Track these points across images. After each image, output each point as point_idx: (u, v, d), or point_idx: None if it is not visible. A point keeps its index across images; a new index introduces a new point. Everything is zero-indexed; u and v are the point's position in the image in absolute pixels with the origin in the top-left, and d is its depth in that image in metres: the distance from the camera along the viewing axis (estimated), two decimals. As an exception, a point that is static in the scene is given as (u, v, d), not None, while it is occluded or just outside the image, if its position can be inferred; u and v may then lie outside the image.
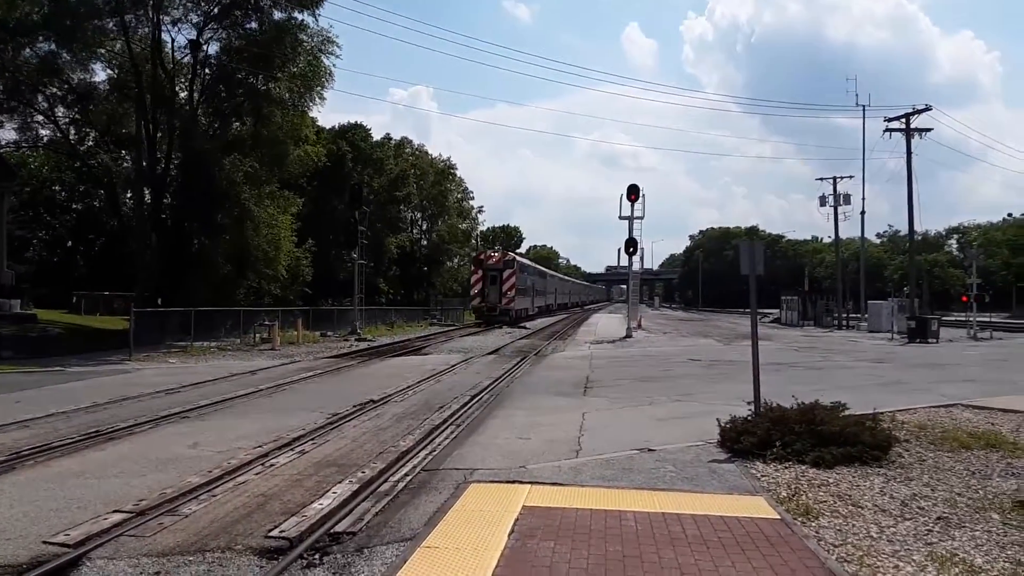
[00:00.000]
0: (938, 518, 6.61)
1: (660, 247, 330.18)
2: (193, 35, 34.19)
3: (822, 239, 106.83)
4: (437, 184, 74.05)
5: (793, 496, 7.17)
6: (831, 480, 7.83)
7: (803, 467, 8.25)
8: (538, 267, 68.05)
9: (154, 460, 8.75)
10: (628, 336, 34.23)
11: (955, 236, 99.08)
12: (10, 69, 30.98)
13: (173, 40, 35.27)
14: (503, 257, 48.72)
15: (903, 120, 43.18)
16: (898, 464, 8.55)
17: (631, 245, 36.01)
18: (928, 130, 43.22)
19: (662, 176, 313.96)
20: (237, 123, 36.56)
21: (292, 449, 9.45)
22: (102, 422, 11.18)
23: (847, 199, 52.81)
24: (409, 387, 15.64)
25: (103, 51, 33.53)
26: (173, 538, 6.04)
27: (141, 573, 5.34)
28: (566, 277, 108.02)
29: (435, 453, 9.37)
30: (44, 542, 5.84)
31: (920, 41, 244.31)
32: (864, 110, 49.38)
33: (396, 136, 70.53)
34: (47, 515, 6.53)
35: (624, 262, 41.71)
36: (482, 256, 50.14)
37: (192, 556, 5.67)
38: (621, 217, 35.61)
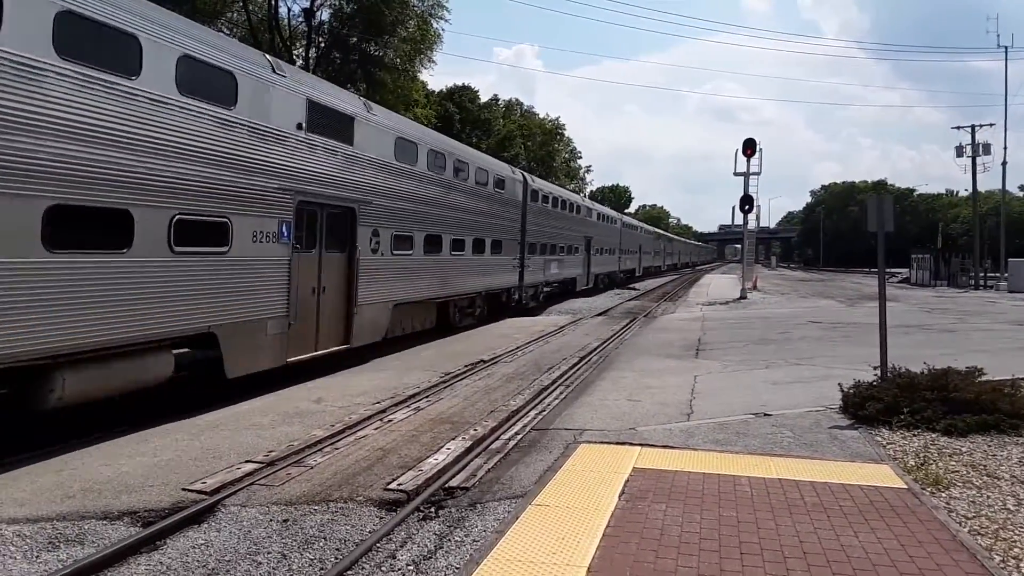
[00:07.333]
0: (1087, 493, 6.12)
1: (777, 204, 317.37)
2: (307, 3, 35.29)
3: (957, 193, 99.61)
4: (545, 144, 73.65)
5: (922, 465, 6.81)
6: (964, 449, 7.39)
7: (933, 435, 7.83)
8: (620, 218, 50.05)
9: (282, 414, 9.26)
10: (742, 297, 33.14)
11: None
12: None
13: (289, 9, 36.61)
14: None
15: (1054, 60, 39.37)
16: (1041, 434, 7.96)
17: (746, 202, 34.54)
18: (1084, 70, 39.26)
19: (780, 129, 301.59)
20: (351, 88, 37.52)
21: (408, 406, 9.79)
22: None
23: (987, 149, 48.76)
24: (518, 348, 15.78)
25: (222, 21, 34.99)
26: (300, 488, 6.40)
27: (271, 520, 5.70)
28: (675, 236, 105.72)
29: (545, 413, 9.47)
30: (184, 489, 6.30)
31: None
32: (1007, 51, 46.04)
33: (503, 97, 70.70)
34: (186, 464, 7.04)
35: (738, 220, 39.65)
36: None
37: (317, 505, 6.00)
38: (736, 174, 34.25)
